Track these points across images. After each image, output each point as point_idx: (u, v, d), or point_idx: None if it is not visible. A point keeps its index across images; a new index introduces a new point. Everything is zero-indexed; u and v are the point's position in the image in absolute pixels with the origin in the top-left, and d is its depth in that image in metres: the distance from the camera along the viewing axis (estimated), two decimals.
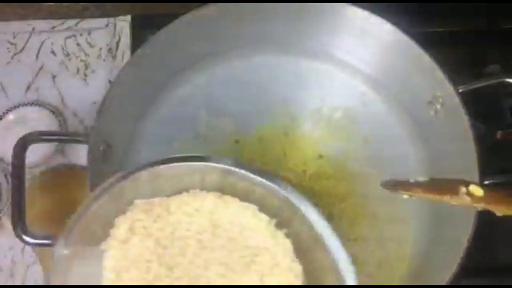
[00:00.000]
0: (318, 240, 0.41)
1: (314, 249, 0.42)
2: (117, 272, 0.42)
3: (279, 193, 0.42)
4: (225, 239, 0.43)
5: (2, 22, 0.68)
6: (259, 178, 0.42)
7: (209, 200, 0.43)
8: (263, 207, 0.43)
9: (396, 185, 0.44)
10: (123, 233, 0.42)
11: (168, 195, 0.44)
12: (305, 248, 0.42)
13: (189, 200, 0.43)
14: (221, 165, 0.42)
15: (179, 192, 0.44)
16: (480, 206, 0.41)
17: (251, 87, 0.62)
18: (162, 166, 0.42)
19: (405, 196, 0.44)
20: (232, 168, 0.42)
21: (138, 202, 0.43)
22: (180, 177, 0.43)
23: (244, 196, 0.44)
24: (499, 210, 0.40)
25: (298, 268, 0.42)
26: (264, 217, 0.43)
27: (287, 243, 0.43)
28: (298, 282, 0.42)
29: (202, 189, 0.44)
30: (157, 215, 0.43)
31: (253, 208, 0.43)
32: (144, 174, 0.42)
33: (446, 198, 0.42)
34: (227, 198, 0.44)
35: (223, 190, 0.44)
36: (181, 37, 0.58)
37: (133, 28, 0.68)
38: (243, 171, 0.42)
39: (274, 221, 0.43)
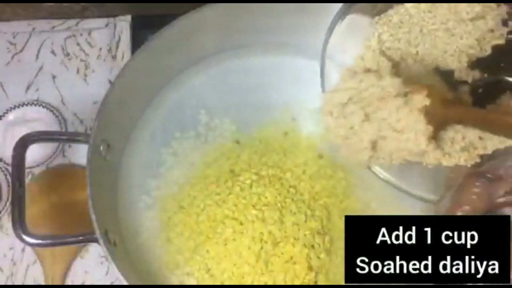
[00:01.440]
0: None
1: None
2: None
3: None
4: (470, 25, 0.45)
5: (2, 22, 0.68)
6: None
7: None
8: None
9: None
10: (375, 44, 0.47)
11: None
12: None
13: None
14: None
15: None
16: None
17: (251, 87, 0.62)
18: None
19: None
20: None
21: (376, 19, 0.47)
22: None
23: None
24: None
25: None
26: None
27: None
28: None
29: None
30: (399, 21, 0.46)
31: None
32: None
33: None
34: None
35: None
36: (180, 37, 0.58)
37: (133, 28, 0.68)
38: None
39: None
